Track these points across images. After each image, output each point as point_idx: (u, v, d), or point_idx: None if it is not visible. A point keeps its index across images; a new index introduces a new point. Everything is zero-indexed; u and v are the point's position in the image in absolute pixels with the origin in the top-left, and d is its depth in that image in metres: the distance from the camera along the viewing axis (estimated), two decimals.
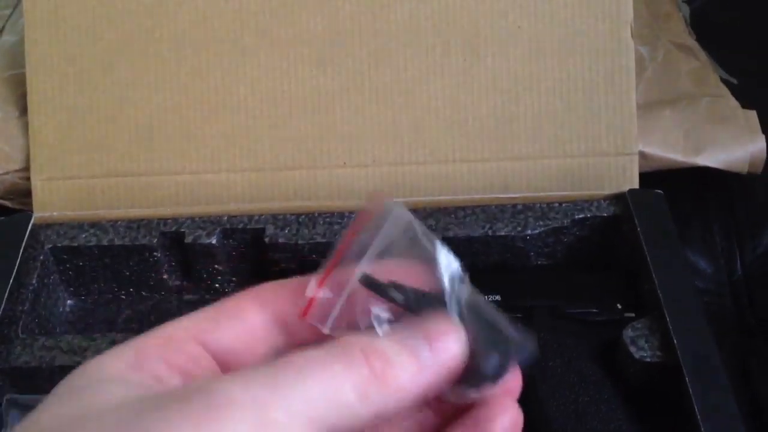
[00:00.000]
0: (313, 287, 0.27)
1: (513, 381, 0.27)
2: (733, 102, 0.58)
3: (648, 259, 0.48)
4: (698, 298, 0.46)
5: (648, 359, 0.44)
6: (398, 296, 0.26)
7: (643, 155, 0.54)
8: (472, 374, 0.26)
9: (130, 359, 0.24)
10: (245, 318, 0.27)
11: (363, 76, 0.55)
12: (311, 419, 0.22)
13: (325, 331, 0.26)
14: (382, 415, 0.24)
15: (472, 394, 0.26)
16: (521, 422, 0.26)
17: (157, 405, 0.21)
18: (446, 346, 0.25)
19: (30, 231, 0.54)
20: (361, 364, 0.23)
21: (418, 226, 0.27)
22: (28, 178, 0.55)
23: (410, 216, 0.27)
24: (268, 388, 0.22)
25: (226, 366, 0.26)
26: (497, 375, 0.26)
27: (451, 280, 0.26)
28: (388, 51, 0.55)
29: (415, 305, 0.26)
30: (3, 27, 0.63)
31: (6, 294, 0.50)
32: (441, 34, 0.54)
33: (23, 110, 0.56)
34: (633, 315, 0.48)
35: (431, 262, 0.26)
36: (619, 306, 0.48)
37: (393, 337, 0.25)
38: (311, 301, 0.26)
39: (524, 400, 0.45)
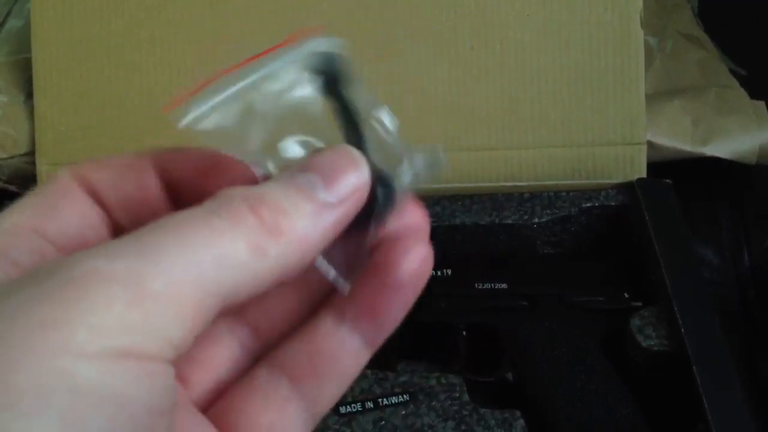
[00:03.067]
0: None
1: (415, 216, 0.23)
2: (742, 92, 0.58)
3: (656, 248, 0.47)
4: (706, 287, 0.46)
5: (655, 348, 0.44)
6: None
7: (651, 145, 0.54)
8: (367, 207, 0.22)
9: None
10: (75, 198, 0.23)
11: (368, 61, 0.54)
12: (200, 286, 0.18)
13: None
14: (286, 272, 0.20)
15: (371, 231, 0.22)
16: (431, 260, 0.23)
17: (5, 293, 0.18)
18: (346, 181, 0.21)
19: None
20: (248, 218, 0.20)
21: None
22: (34, 163, 0.55)
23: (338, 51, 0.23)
24: (142, 257, 0.18)
25: None
26: (387, 205, 0.22)
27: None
28: (395, 37, 0.54)
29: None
30: (9, 11, 0.63)
31: None
32: (448, 20, 0.54)
33: (29, 95, 0.56)
34: (640, 304, 0.47)
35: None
36: (626, 295, 0.48)
37: (280, 179, 0.21)
38: (189, 94, 0.22)
39: (531, 389, 0.46)
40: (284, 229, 0.20)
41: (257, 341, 0.24)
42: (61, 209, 0.23)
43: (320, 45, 0.23)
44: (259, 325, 0.24)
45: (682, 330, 0.44)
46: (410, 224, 0.23)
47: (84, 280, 0.18)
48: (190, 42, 0.55)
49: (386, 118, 0.24)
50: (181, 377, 0.23)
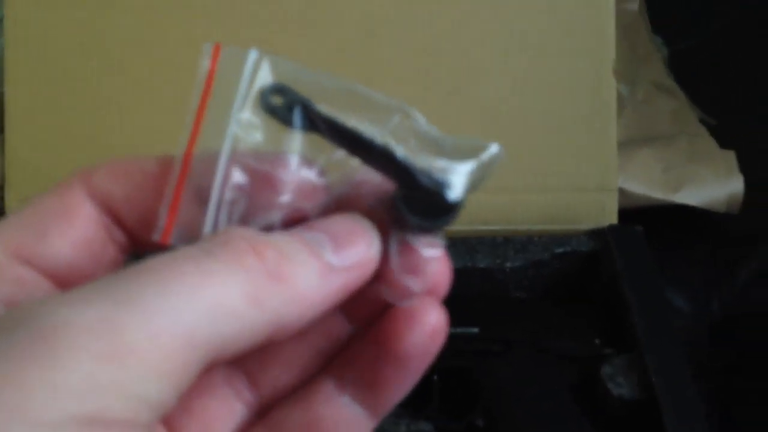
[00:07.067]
0: (171, 190, 0.20)
1: (440, 274, 0.21)
2: (712, 142, 0.59)
3: (627, 295, 0.48)
4: (677, 335, 0.46)
5: (626, 396, 0.44)
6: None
7: (622, 192, 0.55)
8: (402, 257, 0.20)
9: None
10: (77, 218, 0.21)
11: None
12: (185, 339, 0.16)
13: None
14: (282, 328, 0.18)
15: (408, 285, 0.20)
16: (445, 327, 0.21)
17: None
18: (356, 249, 0.20)
19: None
20: (249, 258, 0.18)
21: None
22: (3, 198, 0.54)
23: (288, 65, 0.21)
24: (118, 304, 0.16)
25: (68, 287, 0.20)
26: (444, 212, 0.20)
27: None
28: (371, 81, 0.55)
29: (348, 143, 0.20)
30: None
31: None
32: (425, 64, 0.55)
33: (1, 129, 0.56)
34: (611, 351, 0.47)
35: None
36: (598, 341, 0.48)
37: (287, 233, 0.19)
38: (171, 213, 0.20)
39: None
40: (286, 275, 0.18)
41: (255, 395, 0.22)
42: (57, 228, 0.20)
43: (262, 78, 0.21)
44: (257, 377, 0.22)
45: (653, 378, 0.44)
46: (427, 281, 0.21)
47: (51, 333, 0.15)
48: (169, 81, 0.55)
49: (417, 116, 0.21)
50: (172, 430, 0.21)
